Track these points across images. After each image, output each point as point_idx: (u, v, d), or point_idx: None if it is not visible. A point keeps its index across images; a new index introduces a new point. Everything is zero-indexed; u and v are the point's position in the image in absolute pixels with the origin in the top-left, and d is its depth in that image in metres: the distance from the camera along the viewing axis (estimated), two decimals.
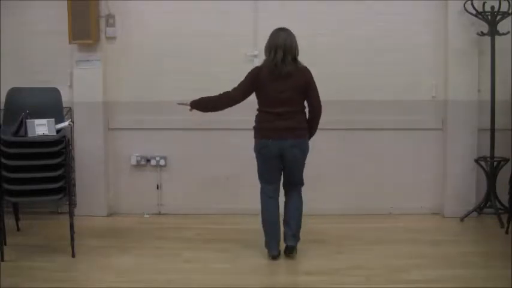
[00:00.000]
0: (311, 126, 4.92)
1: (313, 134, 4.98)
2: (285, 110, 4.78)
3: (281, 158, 4.87)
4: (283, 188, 5.05)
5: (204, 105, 5.07)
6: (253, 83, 4.89)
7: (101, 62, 6.20)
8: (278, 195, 5.02)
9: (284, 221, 4.98)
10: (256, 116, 4.97)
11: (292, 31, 4.86)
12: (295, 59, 4.79)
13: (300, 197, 5.00)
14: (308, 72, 4.85)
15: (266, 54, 4.86)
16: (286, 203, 5.02)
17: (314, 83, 4.86)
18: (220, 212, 6.23)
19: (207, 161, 6.29)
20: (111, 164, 6.36)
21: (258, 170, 5.00)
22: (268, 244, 4.95)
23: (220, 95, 5.00)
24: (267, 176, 4.96)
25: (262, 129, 4.89)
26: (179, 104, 5.07)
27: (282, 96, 4.78)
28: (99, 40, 6.18)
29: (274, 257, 4.90)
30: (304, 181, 5.03)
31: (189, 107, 5.06)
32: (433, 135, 6.21)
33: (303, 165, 4.95)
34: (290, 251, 4.89)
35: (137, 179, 6.38)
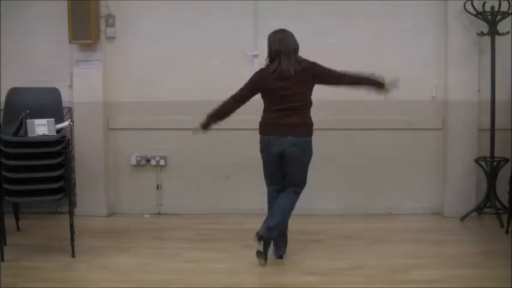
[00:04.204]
0: (361, 78, 4.96)
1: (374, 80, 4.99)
2: (289, 106, 4.76)
3: (281, 158, 4.83)
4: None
5: (214, 119, 5.01)
6: (258, 84, 4.87)
7: (100, 62, 6.21)
8: (299, 194, 4.92)
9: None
10: (262, 115, 4.93)
11: (289, 31, 4.85)
12: (298, 58, 4.79)
13: (291, 196, 4.85)
14: (313, 65, 4.81)
15: (269, 58, 4.84)
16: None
17: (322, 67, 4.82)
18: (220, 212, 6.23)
19: (207, 161, 6.30)
20: (111, 164, 6.36)
21: (263, 171, 4.96)
22: (274, 243, 4.90)
23: (223, 103, 4.96)
24: (270, 177, 4.94)
25: (265, 125, 4.87)
26: (194, 133, 5.04)
27: (287, 94, 4.76)
28: (99, 40, 6.18)
29: (279, 257, 4.90)
30: (303, 186, 4.90)
31: (201, 131, 5.02)
32: (433, 135, 6.21)
33: (304, 167, 4.85)
34: (258, 238, 4.69)
35: (137, 179, 6.38)
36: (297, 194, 4.89)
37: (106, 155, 6.31)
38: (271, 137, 4.82)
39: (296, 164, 4.82)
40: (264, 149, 4.89)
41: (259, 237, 4.70)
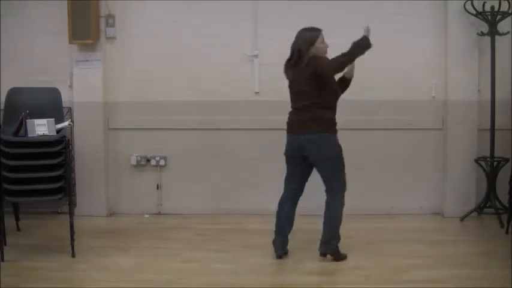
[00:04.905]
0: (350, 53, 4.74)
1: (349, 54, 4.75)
2: (301, 105, 4.77)
3: (306, 159, 4.81)
4: None
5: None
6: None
7: (100, 62, 6.21)
8: (294, 198, 4.95)
9: None
10: None
11: (311, 27, 4.83)
12: (302, 57, 4.73)
13: (331, 202, 4.85)
14: (314, 60, 4.72)
15: None
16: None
17: (320, 63, 4.69)
18: (220, 212, 6.23)
19: (207, 161, 6.30)
20: (111, 164, 6.36)
21: None
22: (274, 243, 4.96)
23: None
24: (287, 174, 4.95)
25: (287, 124, 4.91)
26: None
27: (296, 92, 4.81)
28: (99, 40, 6.18)
29: (278, 256, 4.91)
30: (343, 185, 4.86)
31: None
32: (433, 135, 6.21)
33: (329, 165, 4.79)
34: (322, 255, 4.87)
35: (137, 179, 6.38)
36: (338, 195, 4.84)
37: (106, 155, 6.31)
38: (290, 135, 4.85)
39: (320, 162, 4.79)
40: (286, 147, 4.91)
41: (323, 254, 4.84)
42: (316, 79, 4.70)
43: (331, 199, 4.85)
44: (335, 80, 4.86)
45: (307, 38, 4.77)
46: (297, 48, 4.76)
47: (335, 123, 4.86)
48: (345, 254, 4.89)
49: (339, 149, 4.84)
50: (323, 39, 4.83)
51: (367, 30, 4.78)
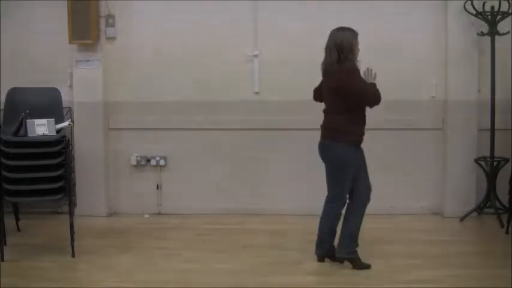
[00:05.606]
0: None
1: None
2: (326, 109, 4.76)
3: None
4: None
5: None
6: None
7: (100, 62, 6.21)
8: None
9: None
10: None
11: (348, 27, 4.70)
12: (340, 59, 4.60)
13: (325, 210, 4.80)
14: (344, 74, 4.56)
15: None
16: None
17: (353, 84, 4.54)
18: (220, 212, 6.23)
19: (207, 161, 6.30)
20: (111, 164, 6.36)
21: None
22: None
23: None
24: None
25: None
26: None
27: (324, 95, 4.78)
28: (99, 40, 6.18)
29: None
30: (333, 195, 4.76)
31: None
32: (433, 135, 6.21)
33: (329, 172, 4.74)
34: (320, 260, 4.82)
35: (137, 179, 6.38)
36: (333, 206, 4.79)
37: (106, 155, 6.31)
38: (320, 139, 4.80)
39: (326, 167, 4.77)
40: None
41: (321, 260, 4.80)
42: (339, 93, 4.61)
43: (327, 207, 4.81)
44: (361, 88, 4.62)
45: (340, 36, 4.63)
46: (340, 46, 4.59)
47: (352, 132, 4.74)
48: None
49: (343, 161, 4.72)
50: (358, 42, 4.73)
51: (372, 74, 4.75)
